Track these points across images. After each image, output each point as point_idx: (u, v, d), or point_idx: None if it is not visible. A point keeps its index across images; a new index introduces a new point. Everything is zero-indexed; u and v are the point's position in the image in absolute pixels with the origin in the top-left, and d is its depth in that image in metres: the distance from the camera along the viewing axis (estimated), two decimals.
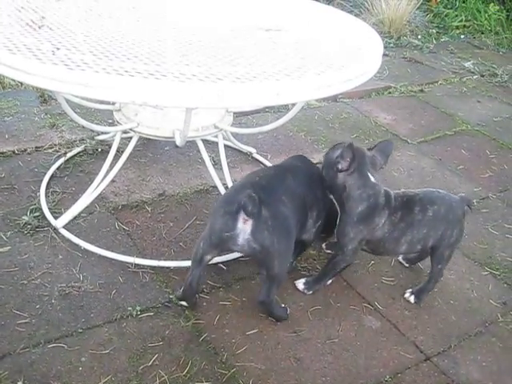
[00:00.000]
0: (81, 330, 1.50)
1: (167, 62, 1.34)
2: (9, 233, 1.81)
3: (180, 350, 1.49)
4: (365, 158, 1.62)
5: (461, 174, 2.57)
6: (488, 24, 4.80)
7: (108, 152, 2.02)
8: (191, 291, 1.57)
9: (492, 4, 4.85)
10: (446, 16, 4.85)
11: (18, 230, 1.83)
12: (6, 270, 1.66)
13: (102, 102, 2.23)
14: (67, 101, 1.99)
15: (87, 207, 1.94)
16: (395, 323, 1.68)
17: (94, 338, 1.49)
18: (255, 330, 1.58)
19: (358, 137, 2.78)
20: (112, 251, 1.78)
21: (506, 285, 1.90)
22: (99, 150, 2.33)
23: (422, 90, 3.49)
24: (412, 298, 1.76)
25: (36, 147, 2.31)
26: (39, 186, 2.05)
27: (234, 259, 1.80)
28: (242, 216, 1.43)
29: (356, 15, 3.77)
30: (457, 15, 4.84)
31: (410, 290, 1.78)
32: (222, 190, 2.02)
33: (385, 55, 3.60)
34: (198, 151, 2.06)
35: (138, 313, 1.58)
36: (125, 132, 2.08)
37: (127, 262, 1.75)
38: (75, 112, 2.06)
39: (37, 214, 1.91)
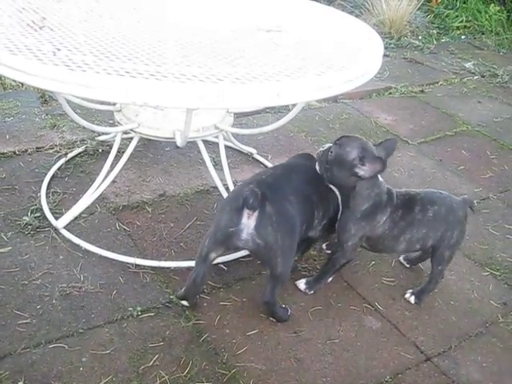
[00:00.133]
0: (81, 331, 1.51)
1: (168, 62, 1.34)
2: (9, 233, 1.82)
3: (180, 351, 1.49)
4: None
5: (461, 175, 2.57)
6: (488, 25, 4.79)
7: (109, 152, 2.03)
8: (194, 289, 1.57)
9: (493, 5, 4.85)
10: (446, 17, 4.85)
11: (19, 230, 1.83)
12: (6, 271, 1.67)
13: (102, 103, 2.22)
14: (68, 101, 1.99)
15: (88, 208, 1.94)
16: (396, 324, 1.68)
17: (95, 339, 1.49)
18: (256, 331, 1.58)
19: None
20: (113, 252, 1.78)
21: (506, 285, 1.90)
22: (100, 150, 2.33)
23: (422, 91, 3.48)
24: (412, 299, 1.76)
25: (37, 148, 2.32)
26: (40, 187, 2.05)
27: (235, 260, 1.81)
28: (246, 211, 1.44)
29: (356, 16, 3.76)
30: (457, 16, 4.84)
31: (411, 290, 1.78)
32: (223, 191, 2.02)
33: (385, 56, 3.60)
34: (199, 152, 2.06)
35: (139, 313, 1.58)
36: (125, 133, 2.08)
37: (128, 263, 1.75)
38: (76, 113, 2.06)
39: (37, 214, 1.91)
